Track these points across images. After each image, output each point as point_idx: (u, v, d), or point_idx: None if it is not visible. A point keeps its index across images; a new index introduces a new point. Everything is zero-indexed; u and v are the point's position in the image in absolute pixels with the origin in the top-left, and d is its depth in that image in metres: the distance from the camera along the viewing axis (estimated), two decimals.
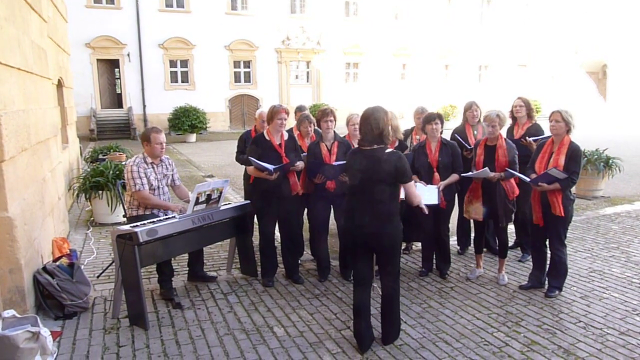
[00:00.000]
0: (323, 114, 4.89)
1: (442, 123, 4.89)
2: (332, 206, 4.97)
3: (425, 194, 4.55)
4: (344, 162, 4.61)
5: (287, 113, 4.72)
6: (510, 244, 5.65)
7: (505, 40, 32.27)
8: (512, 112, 5.58)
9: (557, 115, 4.35)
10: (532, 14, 32.88)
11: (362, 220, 3.48)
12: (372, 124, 3.44)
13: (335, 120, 4.93)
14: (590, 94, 35.95)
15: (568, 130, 4.36)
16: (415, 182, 4.46)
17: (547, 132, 5.28)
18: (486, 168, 4.64)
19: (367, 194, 3.46)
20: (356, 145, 4.93)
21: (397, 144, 5.07)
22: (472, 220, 5.19)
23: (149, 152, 4.63)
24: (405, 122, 6.62)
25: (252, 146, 4.80)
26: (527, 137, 5.29)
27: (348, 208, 3.63)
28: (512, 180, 4.74)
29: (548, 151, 4.46)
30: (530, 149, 5.17)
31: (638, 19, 32.76)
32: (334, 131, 4.96)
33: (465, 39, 31.15)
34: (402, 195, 3.88)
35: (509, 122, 5.47)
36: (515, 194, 4.78)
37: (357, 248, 3.59)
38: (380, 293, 3.71)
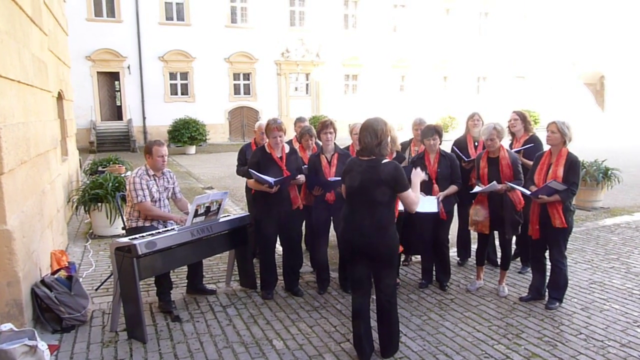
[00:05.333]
0: (323, 126, 4.91)
1: (440, 137, 4.89)
2: (331, 217, 4.97)
3: (425, 204, 4.55)
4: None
5: (282, 130, 4.66)
6: None
7: (503, 52, 32.46)
8: (509, 127, 5.58)
9: (553, 126, 4.39)
10: (530, 26, 33.10)
11: (358, 228, 3.49)
12: (372, 134, 3.46)
13: (336, 132, 4.95)
14: (588, 105, 36.10)
15: (564, 142, 4.37)
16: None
17: (543, 142, 5.31)
18: (494, 182, 4.63)
19: (363, 203, 3.47)
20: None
21: (394, 155, 5.08)
22: (471, 231, 5.17)
23: (151, 165, 4.65)
24: (404, 133, 6.64)
25: (253, 158, 4.81)
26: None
27: (345, 215, 3.64)
28: (518, 191, 4.72)
29: (546, 163, 4.47)
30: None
31: (635, 31, 33.02)
32: (335, 143, 4.97)
33: (463, 50, 31.33)
34: (400, 207, 3.88)
35: (508, 136, 5.46)
36: (522, 204, 4.75)
37: (354, 254, 3.60)
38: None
